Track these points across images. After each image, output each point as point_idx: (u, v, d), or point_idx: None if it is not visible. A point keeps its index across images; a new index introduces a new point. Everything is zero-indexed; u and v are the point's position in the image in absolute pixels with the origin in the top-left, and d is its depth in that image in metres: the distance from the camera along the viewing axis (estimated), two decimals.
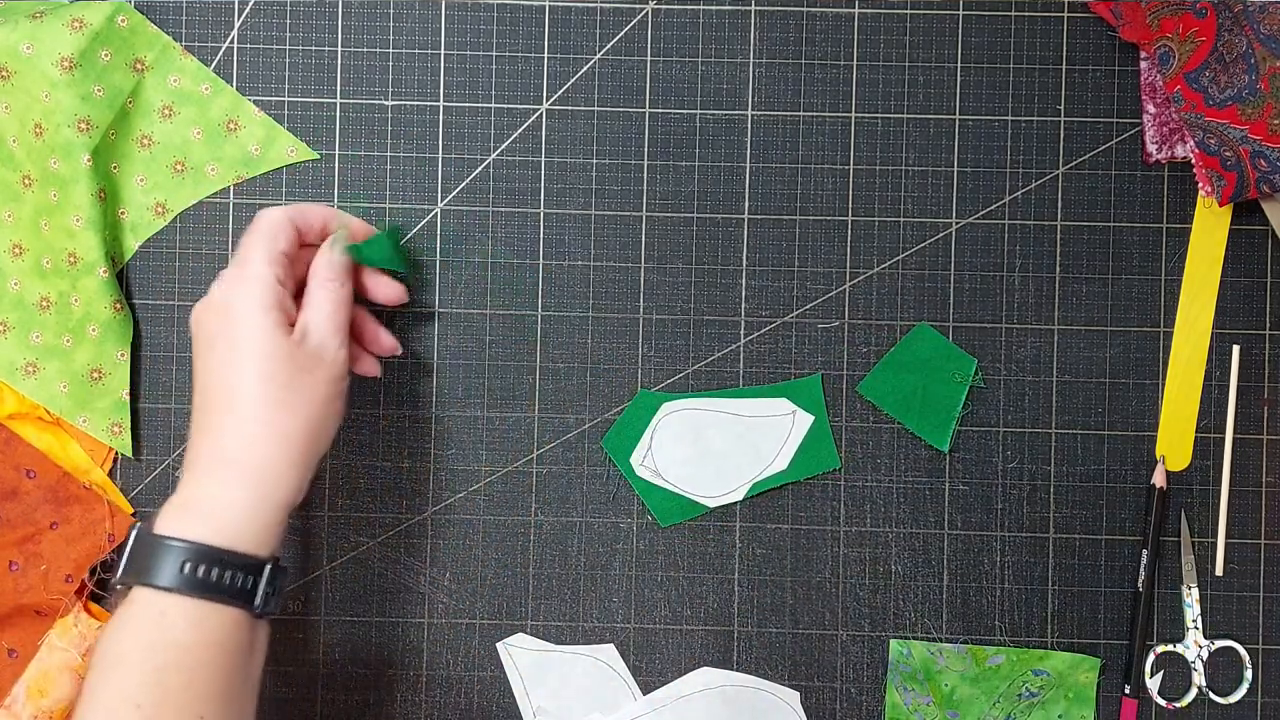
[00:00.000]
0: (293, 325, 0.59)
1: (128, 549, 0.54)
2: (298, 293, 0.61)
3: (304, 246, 0.62)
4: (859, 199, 0.69)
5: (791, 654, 0.69)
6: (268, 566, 0.55)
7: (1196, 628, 0.69)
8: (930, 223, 0.69)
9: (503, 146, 0.69)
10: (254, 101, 0.69)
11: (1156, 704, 0.69)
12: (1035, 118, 0.69)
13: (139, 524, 0.56)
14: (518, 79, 0.69)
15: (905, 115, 0.69)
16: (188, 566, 0.53)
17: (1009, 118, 0.69)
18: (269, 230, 0.60)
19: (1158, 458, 0.69)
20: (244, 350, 0.56)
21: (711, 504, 0.69)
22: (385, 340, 0.66)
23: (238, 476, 0.55)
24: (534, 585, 0.70)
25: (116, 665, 0.52)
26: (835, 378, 0.69)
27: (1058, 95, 0.69)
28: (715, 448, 0.68)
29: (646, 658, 0.70)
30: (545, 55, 0.69)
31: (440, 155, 0.69)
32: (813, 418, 0.68)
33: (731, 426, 0.68)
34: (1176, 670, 0.69)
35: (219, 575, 0.53)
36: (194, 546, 0.53)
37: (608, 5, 0.69)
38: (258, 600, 0.54)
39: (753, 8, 0.69)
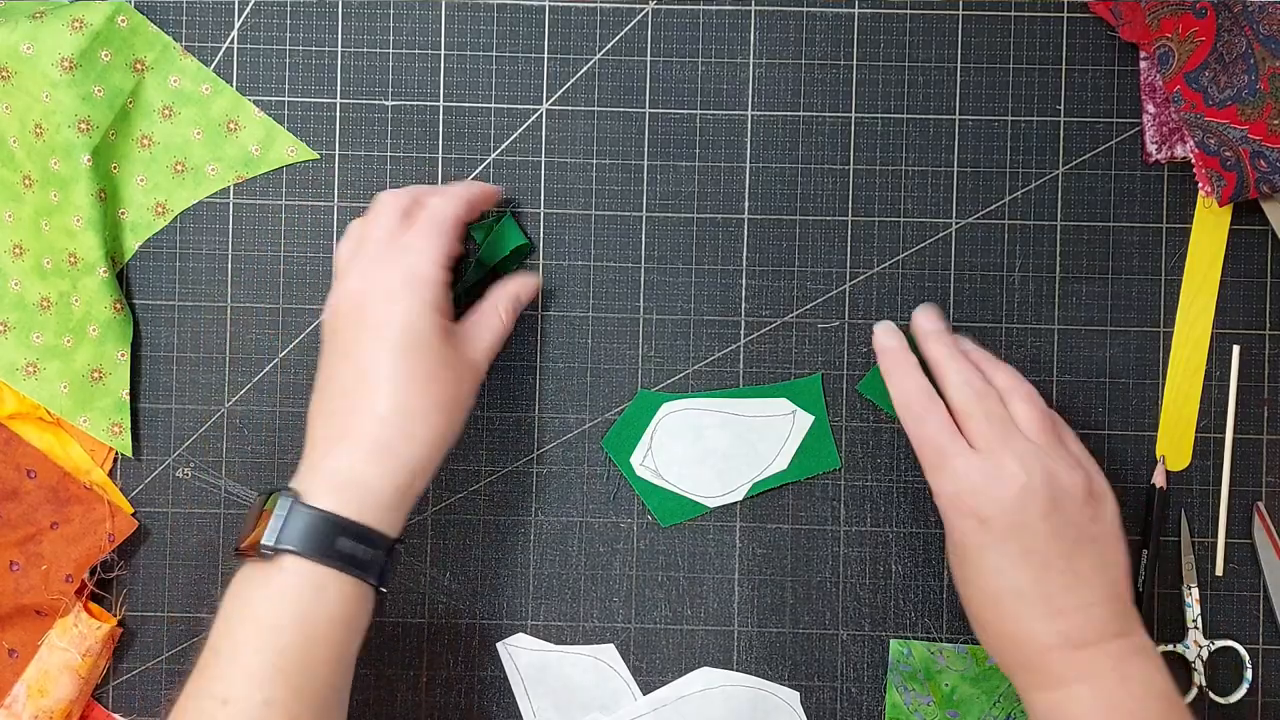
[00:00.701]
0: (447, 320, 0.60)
1: (282, 517, 0.54)
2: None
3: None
4: (859, 199, 0.69)
5: (791, 654, 0.69)
6: (398, 547, 0.57)
7: (1196, 628, 0.69)
8: (930, 223, 0.69)
9: (503, 146, 0.69)
10: (254, 101, 0.69)
11: None
12: (1035, 118, 0.69)
13: (290, 493, 0.56)
14: (518, 79, 0.69)
15: (905, 115, 0.69)
16: (346, 544, 0.54)
17: (1009, 118, 0.69)
18: (445, 228, 0.61)
19: (1158, 458, 0.69)
20: (407, 345, 0.57)
21: (711, 504, 0.69)
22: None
23: (390, 464, 0.56)
24: (534, 585, 0.70)
25: (267, 631, 0.53)
26: (835, 378, 0.69)
27: (1058, 95, 0.69)
28: (715, 448, 0.68)
29: (646, 658, 0.70)
30: (545, 55, 0.69)
31: (440, 155, 0.69)
32: (813, 418, 0.68)
33: (731, 426, 0.68)
34: (1177, 670, 0.69)
35: (366, 554, 0.55)
36: (353, 526, 0.55)
37: (608, 5, 0.69)
38: (387, 578, 0.56)
39: (753, 8, 0.69)
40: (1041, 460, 0.57)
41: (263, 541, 0.54)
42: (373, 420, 0.56)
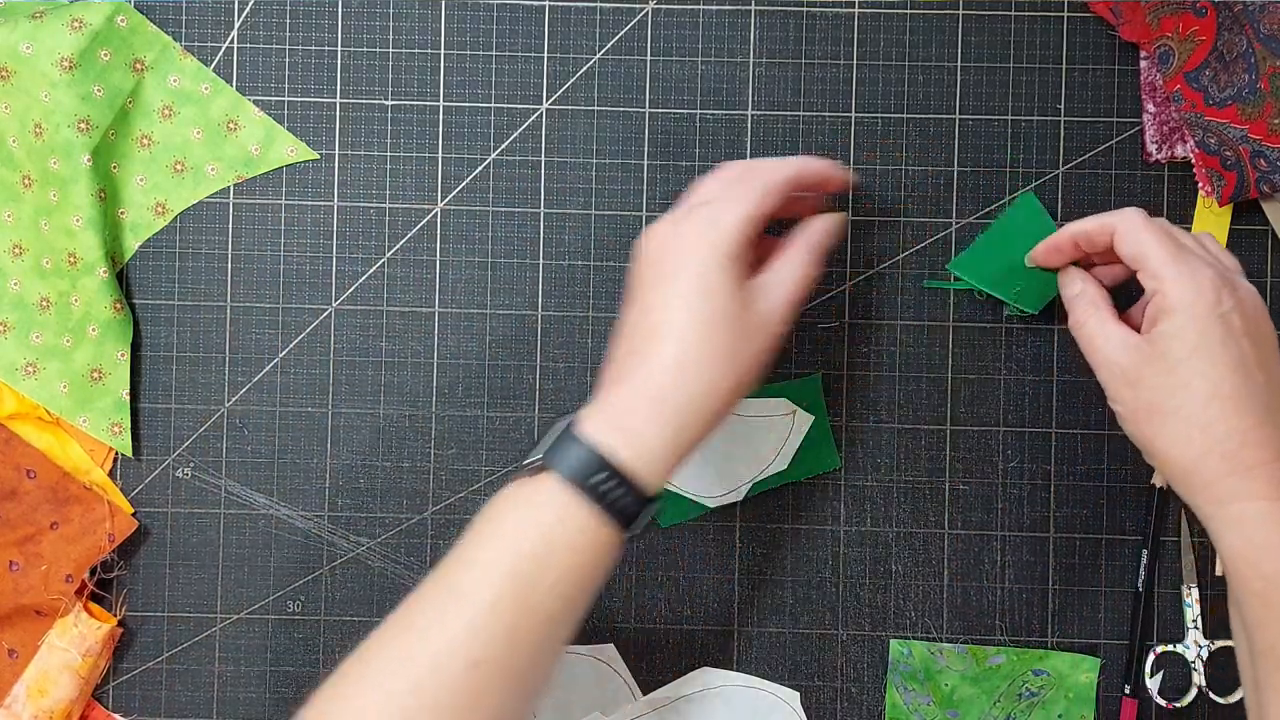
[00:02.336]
0: (747, 277, 0.58)
1: (553, 439, 0.55)
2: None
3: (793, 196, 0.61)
4: (859, 198, 0.69)
5: (791, 654, 0.69)
6: (655, 502, 0.56)
7: (1196, 628, 0.69)
8: (930, 223, 0.69)
9: (503, 146, 0.69)
10: (254, 101, 0.69)
11: (1156, 704, 0.69)
12: (1035, 118, 0.69)
13: (570, 419, 0.55)
14: (518, 79, 0.69)
15: (905, 115, 0.69)
16: (601, 481, 0.54)
17: (1009, 118, 0.69)
18: (769, 187, 0.58)
19: None
20: (696, 293, 0.56)
21: (711, 504, 0.69)
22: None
23: (663, 413, 0.55)
24: None
25: (509, 538, 0.54)
26: (835, 378, 0.69)
27: (1058, 95, 0.69)
28: (715, 448, 0.68)
29: (646, 658, 0.70)
30: (545, 55, 0.69)
31: (440, 155, 0.69)
32: (812, 418, 0.68)
33: (732, 426, 0.68)
34: (1176, 670, 0.69)
35: (619, 497, 0.54)
36: (612, 466, 0.54)
37: (608, 5, 0.69)
38: (635, 529, 0.56)
39: (753, 8, 0.69)
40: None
41: (529, 458, 0.55)
42: (652, 367, 0.55)
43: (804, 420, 0.68)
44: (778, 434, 0.68)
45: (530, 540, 0.53)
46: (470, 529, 0.55)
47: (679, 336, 0.55)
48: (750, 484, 0.69)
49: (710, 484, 0.69)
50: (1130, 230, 0.58)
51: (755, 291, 0.57)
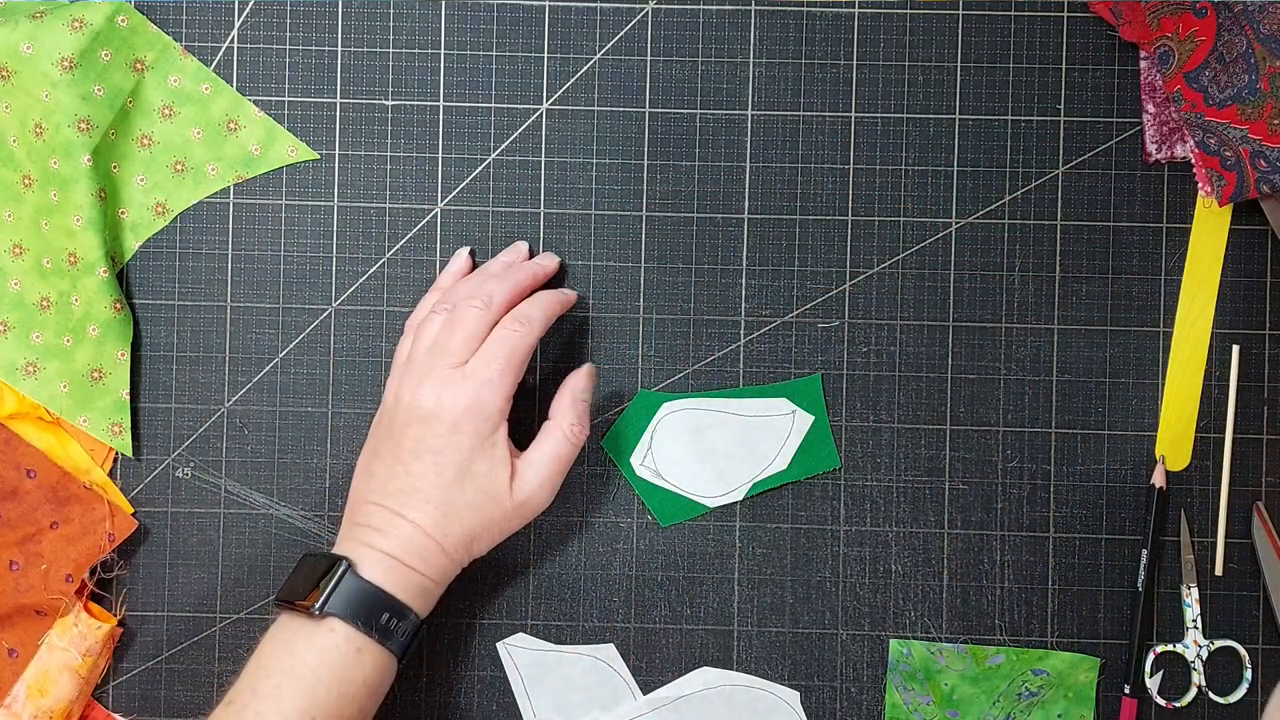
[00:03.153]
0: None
1: (336, 584, 0.59)
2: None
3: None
4: (859, 199, 0.69)
5: (791, 654, 0.69)
6: (423, 627, 0.62)
7: (1196, 628, 0.69)
8: (930, 223, 0.69)
9: (503, 146, 0.69)
10: (254, 101, 0.69)
11: (1156, 704, 0.69)
12: (1035, 118, 0.69)
13: (347, 562, 0.60)
14: (518, 79, 0.69)
15: (905, 115, 0.69)
16: (389, 619, 0.59)
17: (1009, 118, 0.69)
18: (518, 361, 0.62)
19: (1158, 458, 0.69)
20: (463, 474, 0.61)
21: (711, 504, 0.69)
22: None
23: (429, 563, 0.61)
24: (534, 585, 0.70)
25: (306, 683, 0.58)
26: (835, 378, 0.69)
27: (1058, 95, 0.69)
28: (715, 448, 0.68)
29: (646, 658, 0.70)
30: (545, 55, 0.69)
31: (440, 155, 0.69)
32: (812, 417, 0.68)
33: (731, 426, 0.68)
34: (1176, 670, 0.69)
35: (400, 628, 0.60)
36: (396, 604, 0.60)
37: (608, 5, 0.69)
38: (409, 653, 0.61)
39: (753, 8, 0.69)
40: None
41: (317, 604, 0.59)
42: (418, 527, 0.60)
43: (804, 420, 0.68)
44: (778, 434, 0.69)
45: (327, 685, 0.58)
46: (259, 669, 0.59)
47: (441, 509, 0.61)
48: (750, 484, 0.69)
49: (710, 484, 0.69)
50: None
51: (518, 472, 0.63)
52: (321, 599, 0.59)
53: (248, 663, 0.60)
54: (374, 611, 0.59)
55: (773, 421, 0.69)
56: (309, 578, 0.60)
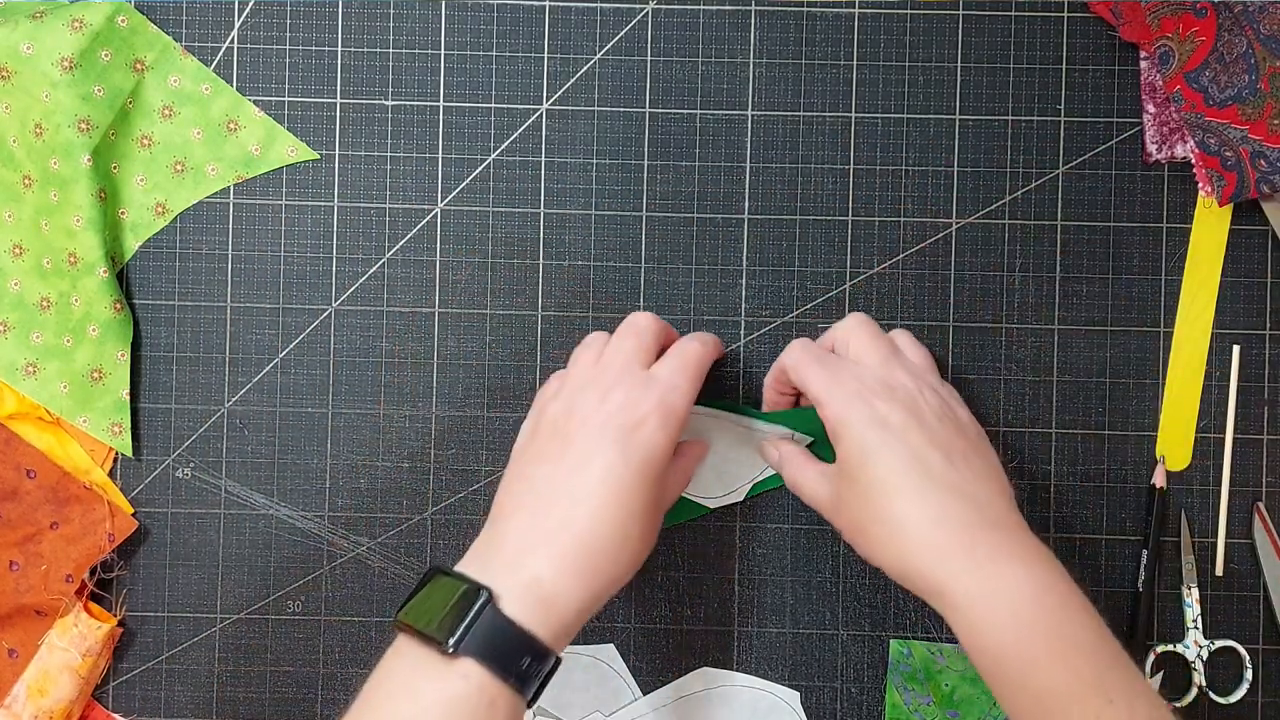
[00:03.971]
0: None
1: (473, 616, 0.52)
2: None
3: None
4: (859, 199, 0.69)
5: (791, 654, 0.69)
6: (558, 663, 0.54)
7: (1196, 628, 0.69)
8: (930, 223, 0.69)
9: (503, 146, 0.69)
10: (254, 101, 0.69)
11: None
12: (1035, 118, 0.69)
13: (491, 597, 0.52)
14: (518, 79, 0.69)
15: (905, 115, 0.69)
16: (527, 662, 0.52)
17: (1009, 118, 0.69)
18: (701, 369, 0.60)
19: (1158, 458, 0.69)
20: (641, 477, 0.56)
21: (712, 504, 0.69)
22: None
23: (586, 586, 0.54)
24: None
25: None
26: None
27: (1058, 95, 0.69)
28: (716, 449, 0.68)
29: (646, 658, 0.70)
30: (545, 55, 0.69)
31: (440, 155, 0.69)
32: (811, 438, 0.67)
33: (731, 429, 0.68)
34: (1176, 670, 0.69)
35: (538, 672, 0.53)
36: (540, 647, 0.53)
37: (608, 5, 0.69)
38: (539, 695, 0.54)
39: (753, 8, 0.69)
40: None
41: (451, 641, 0.51)
42: (581, 539, 0.54)
43: (803, 439, 0.67)
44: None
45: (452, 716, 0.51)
46: (382, 702, 0.52)
47: (614, 516, 0.55)
48: (750, 484, 0.69)
49: (710, 484, 0.69)
50: (792, 367, 0.62)
51: (669, 477, 0.60)
52: (456, 637, 0.51)
53: (359, 697, 0.53)
54: (515, 656, 0.52)
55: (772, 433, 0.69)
56: (441, 603, 0.52)
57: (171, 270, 0.69)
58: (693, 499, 0.69)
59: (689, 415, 0.59)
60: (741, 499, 0.69)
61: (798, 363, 0.61)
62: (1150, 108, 0.68)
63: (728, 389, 0.69)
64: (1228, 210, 0.69)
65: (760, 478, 0.68)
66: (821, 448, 0.66)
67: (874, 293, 0.69)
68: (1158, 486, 0.68)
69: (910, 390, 0.59)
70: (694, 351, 0.61)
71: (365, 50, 0.69)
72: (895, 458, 0.56)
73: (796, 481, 0.63)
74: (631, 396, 0.57)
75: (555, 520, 0.55)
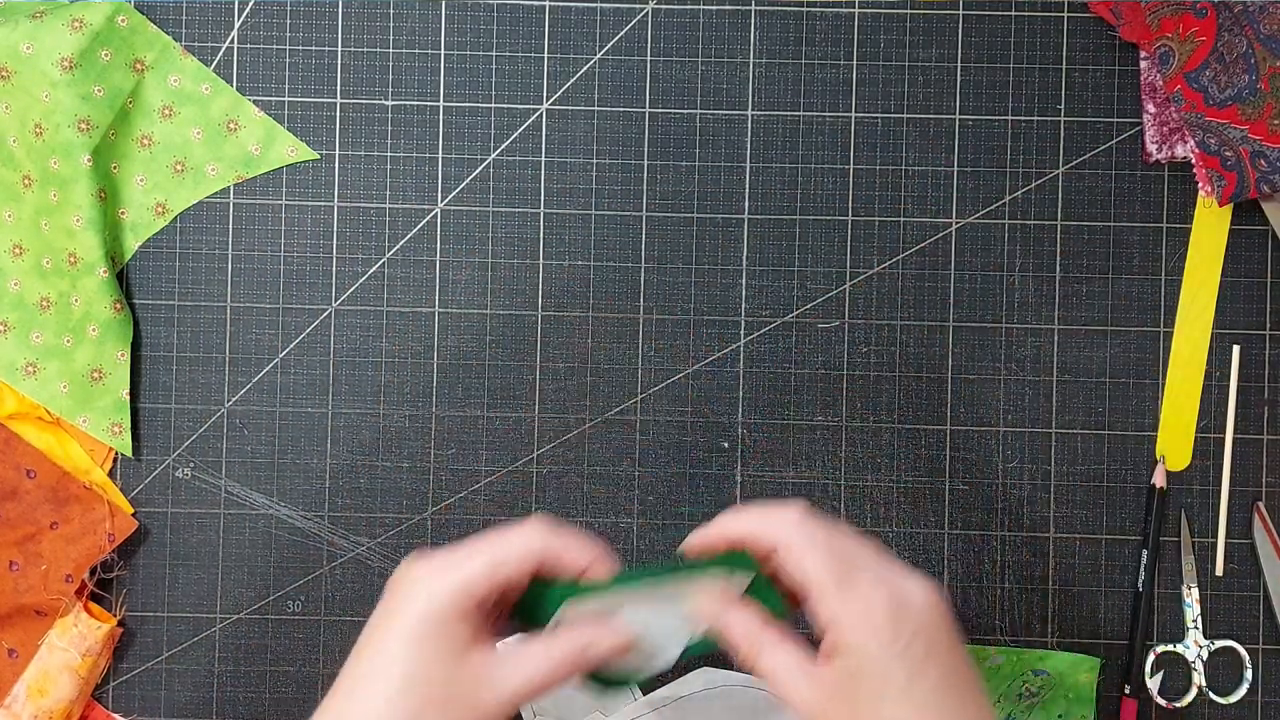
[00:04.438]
0: (480, 639, 0.51)
1: None
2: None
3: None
4: (859, 199, 0.69)
5: None
6: None
7: (1196, 628, 0.69)
8: (930, 223, 0.69)
9: (503, 146, 0.69)
10: (254, 101, 0.69)
11: (1156, 704, 0.69)
12: (1035, 118, 0.69)
13: None
14: (518, 79, 0.69)
15: (905, 115, 0.69)
16: None
17: (1009, 118, 0.69)
18: (522, 555, 0.50)
19: (1158, 458, 0.69)
20: (420, 636, 0.49)
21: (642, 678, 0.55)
22: None
23: None
24: None
25: None
26: (835, 378, 0.69)
27: (1058, 95, 0.69)
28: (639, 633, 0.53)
29: None
30: (545, 55, 0.69)
31: (440, 155, 0.69)
32: (752, 574, 0.53)
33: (646, 604, 0.52)
34: (1176, 670, 0.69)
35: None
36: None
37: (608, 5, 0.69)
38: None
39: (753, 8, 0.69)
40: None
41: None
42: (352, 702, 0.48)
43: (741, 580, 0.54)
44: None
45: None
46: None
47: (384, 696, 0.47)
48: (681, 650, 0.54)
49: (642, 664, 0.54)
50: (792, 550, 0.50)
51: (482, 664, 0.50)
52: None
53: None
54: None
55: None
56: None
57: (171, 270, 0.69)
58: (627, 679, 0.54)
59: (485, 582, 0.49)
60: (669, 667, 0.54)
61: (803, 551, 0.50)
62: (1150, 108, 0.68)
63: (727, 386, 0.69)
64: (1228, 210, 0.69)
65: (692, 642, 0.54)
66: (762, 592, 0.54)
67: (874, 293, 0.69)
68: (1158, 486, 0.68)
69: (926, 605, 0.51)
70: (512, 534, 0.50)
71: (365, 50, 0.69)
72: (919, 693, 0.48)
73: (780, 682, 0.52)
74: (415, 568, 0.49)
75: (346, 701, 0.49)
